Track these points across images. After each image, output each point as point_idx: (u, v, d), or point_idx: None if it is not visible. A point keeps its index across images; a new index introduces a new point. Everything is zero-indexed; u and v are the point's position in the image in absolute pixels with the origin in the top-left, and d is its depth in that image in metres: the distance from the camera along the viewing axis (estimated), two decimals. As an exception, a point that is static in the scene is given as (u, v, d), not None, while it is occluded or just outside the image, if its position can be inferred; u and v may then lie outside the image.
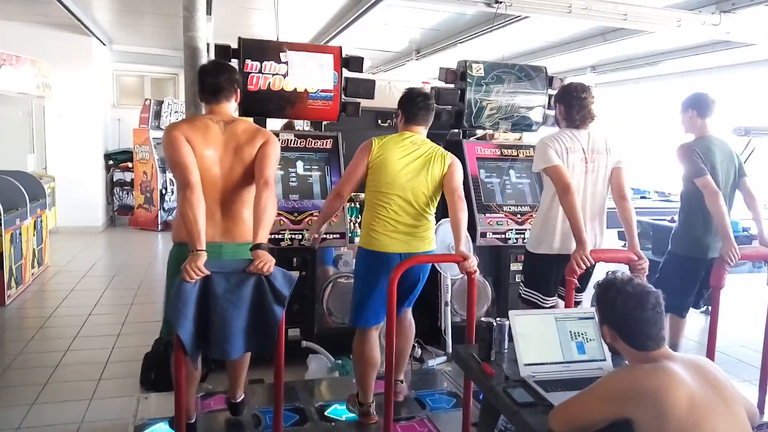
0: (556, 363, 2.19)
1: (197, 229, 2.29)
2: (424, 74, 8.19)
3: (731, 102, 8.20)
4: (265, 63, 3.87)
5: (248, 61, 3.85)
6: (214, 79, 2.63)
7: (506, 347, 2.38)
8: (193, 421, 2.81)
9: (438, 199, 3.01)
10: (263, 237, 2.37)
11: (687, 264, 3.51)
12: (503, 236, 4.11)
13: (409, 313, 3.18)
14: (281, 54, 3.90)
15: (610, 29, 6.76)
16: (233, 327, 2.30)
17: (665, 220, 6.04)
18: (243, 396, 2.99)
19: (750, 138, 6.18)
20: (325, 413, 3.08)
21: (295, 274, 3.62)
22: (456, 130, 4.54)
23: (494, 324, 2.33)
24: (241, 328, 2.32)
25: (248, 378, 3.06)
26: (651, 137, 9.15)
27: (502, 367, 2.25)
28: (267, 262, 2.30)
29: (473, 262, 2.74)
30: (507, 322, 2.33)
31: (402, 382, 3.24)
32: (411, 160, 2.92)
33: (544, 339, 2.23)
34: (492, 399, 2.12)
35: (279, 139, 3.83)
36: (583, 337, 2.22)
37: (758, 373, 3.09)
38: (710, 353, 2.98)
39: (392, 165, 2.90)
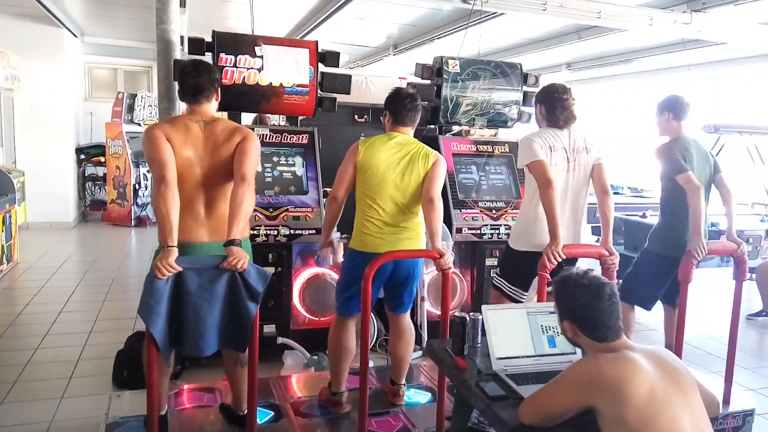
0: (527, 356, 2.22)
1: (169, 225, 2.27)
2: (402, 70, 8.19)
3: (702, 100, 8.37)
4: (239, 57, 3.83)
5: (222, 55, 3.80)
6: (194, 80, 2.61)
7: (480, 341, 2.41)
8: (163, 413, 2.77)
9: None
10: (237, 233, 2.35)
11: (663, 262, 3.57)
12: (478, 232, 4.14)
13: (406, 318, 3.17)
14: (256, 48, 3.86)
15: (585, 27, 6.85)
16: (206, 323, 2.28)
17: (637, 215, 6.15)
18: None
19: (719, 135, 6.33)
20: (300, 409, 3.07)
21: (270, 270, 3.70)
22: (432, 126, 4.55)
23: (467, 318, 2.36)
24: (214, 324, 2.30)
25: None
26: (625, 134, 9.29)
27: (475, 361, 2.27)
28: (240, 259, 2.29)
29: (449, 259, 2.77)
30: (480, 317, 2.36)
31: (404, 385, 3.23)
32: (397, 160, 2.94)
33: (517, 333, 2.26)
34: (464, 392, 2.15)
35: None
36: (554, 331, 2.26)
37: (724, 365, 3.16)
38: (678, 345, 3.05)
39: (379, 166, 2.92)
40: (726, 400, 3.11)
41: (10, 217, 6.18)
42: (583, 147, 3.10)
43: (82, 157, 9.56)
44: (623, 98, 10.16)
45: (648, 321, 4.87)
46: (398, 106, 3.02)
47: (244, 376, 2.60)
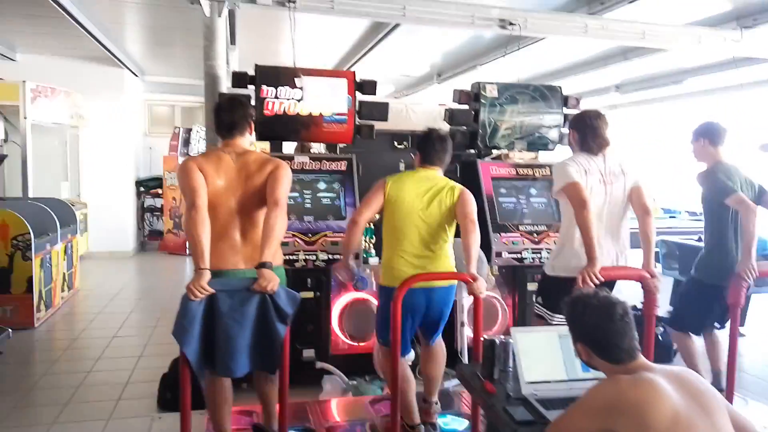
0: (559, 381, 2.16)
1: (200, 248, 2.35)
2: (445, 98, 8.25)
3: (759, 119, 8.03)
4: (280, 88, 3.97)
5: (264, 87, 3.95)
6: (229, 116, 2.75)
7: (511, 366, 2.35)
8: None
9: (453, 230, 3.07)
10: (269, 256, 2.41)
11: (710, 291, 3.44)
12: (519, 256, 4.08)
13: (439, 339, 3.18)
14: (296, 79, 4.00)
15: (631, 47, 6.72)
16: (237, 345, 2.33)
17: (692, 239, 5.91)
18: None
19: (778, 154, 6.05)
20: (335, 434, 3.07)
21: (309, 295, 3.75)
22: (471, 151, 4.55)
23: (497, 342, 2.31)
24: (245, 345, 2.35)
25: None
26: (680, 156, 8.99)
27: (506, 385, 2.23)
28: (271, 281, 2.34)
29: (482, 284, 2.75)
30: (512, 340, 2.31)
31: (437, 403, 3.22)
32: (423, 191, 3.01)
33: (548, 356, 2.20)
34: (492, 417, 2.10)
35: (294, 162, 3.95)
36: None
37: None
38: (730, 372, 2.90)
39: (405, 198, 2.99)
40: (786, 433, 2.92)
41: (71, 246, 6.50)
42: (619, 171, 3.06)
43: (142, 189, 10.00)
44: (676, 120, 9.86)
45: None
46: (428, 146, 3.11)
47: (274, 396, 2.64)
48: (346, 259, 3.17)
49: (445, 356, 3.19)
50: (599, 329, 1.72)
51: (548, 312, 3.14)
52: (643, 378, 1.60)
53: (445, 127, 4.48)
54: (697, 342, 3.69)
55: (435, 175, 3.10)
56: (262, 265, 2.38)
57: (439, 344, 3.15)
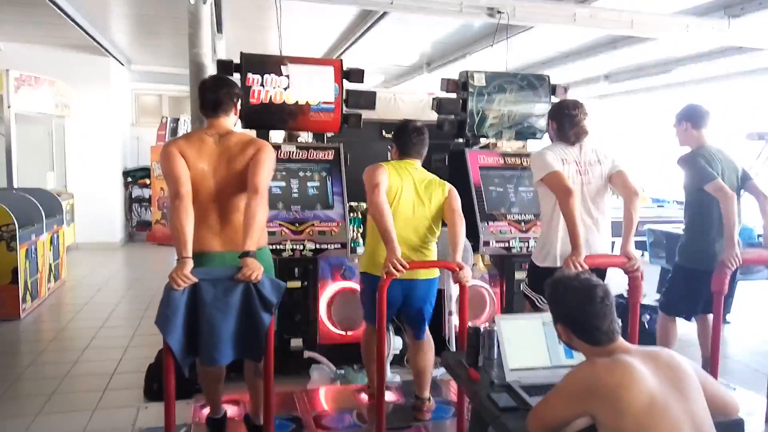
0: (543, 368, 2.16)
1: (183, 238, 2.33)
2: (434, 87, 8.22)
3: (745, 108, 8.08)
4: (266, 77, 3.93)
5: (250, 75, 3.91)
6: (213, 94, 2.70)
7: (496, 353, 2.36)
8: (219, 416, 2.94)
9: (439, 226, 3.09)
10: (251, 244, 2.40)
11: (694, 276, 3.46)
12: (507, 245, 4.08)
13: (426, 332, 3.18)
14: (282, 67, 3.96)
15: (620, 37, 6.72)
16: (221, 334, 2.32)
17: (680, 228, 5.95)
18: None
19: (766, 143, 6.10)
20: (322, 422, 3.07)
21: (296, 284, 3.75)
22: (459, 140, 4.54)
23: (481, 329, 2.32)
24: (229, 334, 2.34)
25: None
26: (668, 145, 9.04)
27: (490, 372, 2.23)
28: (255, 270, 2.33)
29: (468, 273, 2.75)
30: (495, 328, 2.32)
31: (429, 399, 3.22)
32: (418, 184, 3.02)
33: (532, 343, 2.21)
34: (476, 404, 2.11)
35: (281, 151, 3.92)
36: (570, 343, 2.19)
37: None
38: (714, 359, 2.92)
39: (403, 189, 2.98)
40: (768, 418, 2.95)
41: (57, 237, 6.45)
42: (595, 160, 3.07)
43: (129, 179, 9.91)
44: (665, 109, 9.90)
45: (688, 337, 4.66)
46: (405, 139, 3.10)
47: (261, 387, 2.63)
48: (393, 245, 2.78)
49: (434, 349, 3.18)
50: (579, 311, 1.73)
51: (538, 296, 3.15)
52: (619, 361, 1.61)
53: (433, 116, 4.48)
54: (689, 329, 3.72)
55: (422, 168, 3.10)
56: (245, 254, 2.36)
57: (427, 337, 3.15)
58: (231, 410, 3.19)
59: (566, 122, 3.08)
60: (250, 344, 2.38)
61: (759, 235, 4.88)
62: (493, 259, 4.26)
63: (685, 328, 4.48)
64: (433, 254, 3.08)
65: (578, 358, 2.17)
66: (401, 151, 3.12)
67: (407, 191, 2.99)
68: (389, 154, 3.21)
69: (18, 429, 3.19)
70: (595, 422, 1.56)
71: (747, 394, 3.45)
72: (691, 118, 3.51)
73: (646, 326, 4.36)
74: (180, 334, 2.28)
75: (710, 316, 3.65)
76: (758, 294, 5.75)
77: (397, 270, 2.63)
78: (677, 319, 3.69)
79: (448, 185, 3.10)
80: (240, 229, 2.46)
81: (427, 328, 3.16)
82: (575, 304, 1.74)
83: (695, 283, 3.44)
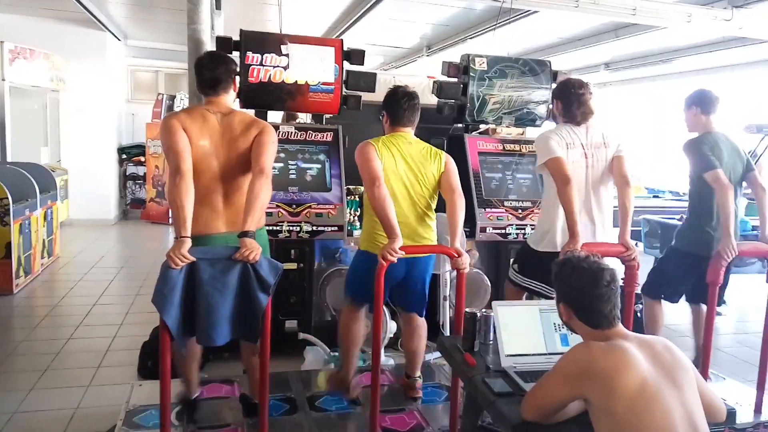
0: (538, 354, 2.17)
1: (183, 216, 2.31)
2: (434, 71, 8.17)
3: (746, 100, 8.07)
4: (266, 55, 3.87)
5: (249, 53, 3.85)
6: (211, 72, 2.65)
7: (492, 339, 2.37)
8: (194, 397, 2.89)
9: (436, 198, 3.02)
10: (251, 224, 2.37)
11: (687, 259, 3.46)
12: (503, 231, 4.08)
13: (417, 316, 3.16)
14: (282, 46, 3.90)
15: (622, 25, 6.69)
16: (218, 313, 2.30)
17: (674, 218, 5.97)
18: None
19: (763, 136, 6.09)
20: (316, 404, 3.08)
21: (293, 266, 3.74)
22: (459, 125, 4.51)
23: (478, 315, 2.32)
24: (226, 314, 2.32)
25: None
26: (666, 136, 9.05)
27: (486, 358, 2.24)
28: (253, 251, 2.31)
29: (465, 259, 2.74)
30: (491, 313, 2.32)
31: (420, 377, 3.22)
32: (407, 160, 2.93)
33: (528, 330, 2.22)
34: (471, 389, 2.12)
35: (279, 132, 3.88)
36: (566, 329, 2.20)
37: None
38: (706, 350, 2.94)
39: (396, 165, 2.90)
40: (758, 409, 2.99)
41: (51, 213, 6.40)
42: (601, 142, 3.04)
43: (124, 156, 9.85)
44: (665, 99, 9.89)
45: (679, 326, 4.70)
46: (395, 106, 2.99)
47: (253, 364, 2.64)
48: (396, 235, 2.67)
49: (426, 330, 3.19)
50: (584, 292, 1.74)
51: (529, 280, 3.17)
52: (615, 346, 1.63)
53: (433, 100, 4.44)
54: (682, 320, 3.73)
55: (415, 138, 3.01)
56: (244, 234, 2.34)
57: (422, 321, 3.14)
58: (225, 389, 3.20)
59: (573, 101, 3.03)
60: (247, 325, 2.37)
61: (754, 227, 4.91)
62: (477, 246, 4.24)
63: (677, 319, 4.54)
64: (432, 232, 3.01)
65: (574, 345, 2.20)
66: (392, 120, 3.02)
67: (401, 170, 2.90)
68: (382, 122, 3.11)
69: (11, 404, 3.19)
70: (588, 405, 1.58)
71: (737, 385, 3.49)
72: (701, 103, 3.47)
73: (639, 315, 4.39)
74: (177, 314, 2.26)
75: (704, 307, 3.68)
76: (750, 286, 5.78)
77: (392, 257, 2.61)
78: (664, 308, 3.69)
79: (444, 155, 2.99)
80: (242, 211, 2.44)
81: (424, 309, 3.15)
82: (580, 285, 1.74)
83: (687, 266, 3.44)
